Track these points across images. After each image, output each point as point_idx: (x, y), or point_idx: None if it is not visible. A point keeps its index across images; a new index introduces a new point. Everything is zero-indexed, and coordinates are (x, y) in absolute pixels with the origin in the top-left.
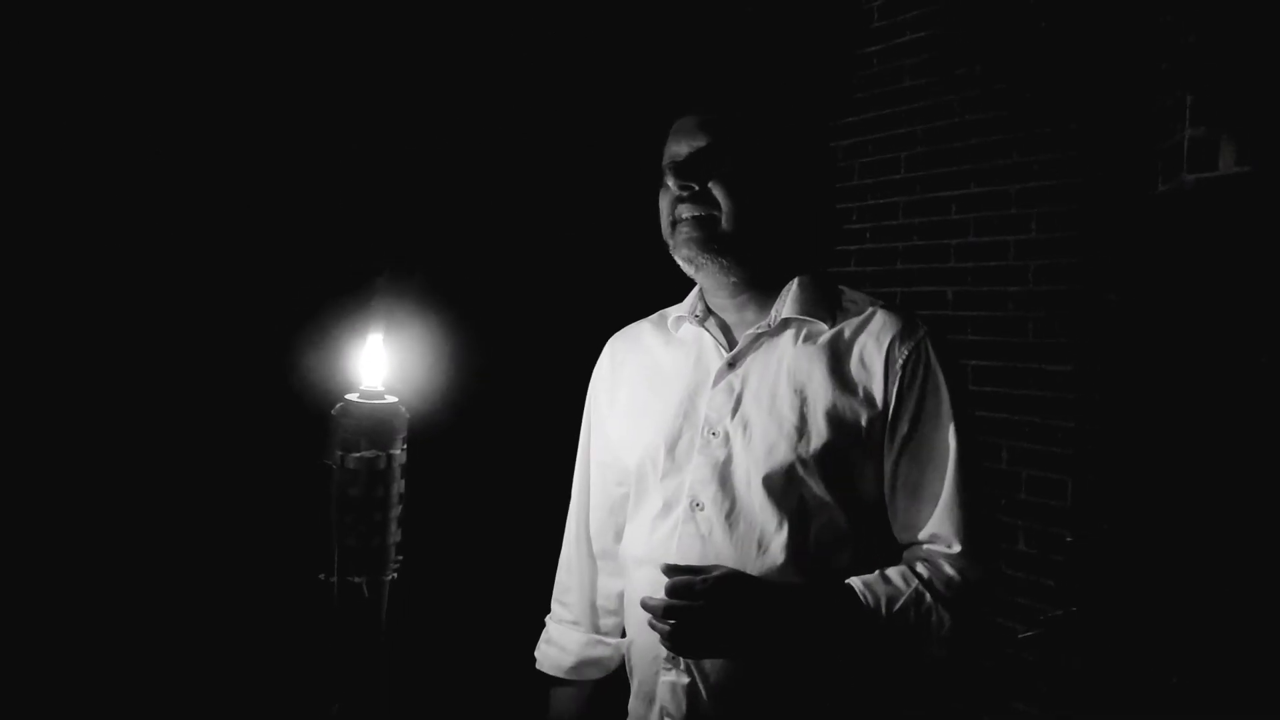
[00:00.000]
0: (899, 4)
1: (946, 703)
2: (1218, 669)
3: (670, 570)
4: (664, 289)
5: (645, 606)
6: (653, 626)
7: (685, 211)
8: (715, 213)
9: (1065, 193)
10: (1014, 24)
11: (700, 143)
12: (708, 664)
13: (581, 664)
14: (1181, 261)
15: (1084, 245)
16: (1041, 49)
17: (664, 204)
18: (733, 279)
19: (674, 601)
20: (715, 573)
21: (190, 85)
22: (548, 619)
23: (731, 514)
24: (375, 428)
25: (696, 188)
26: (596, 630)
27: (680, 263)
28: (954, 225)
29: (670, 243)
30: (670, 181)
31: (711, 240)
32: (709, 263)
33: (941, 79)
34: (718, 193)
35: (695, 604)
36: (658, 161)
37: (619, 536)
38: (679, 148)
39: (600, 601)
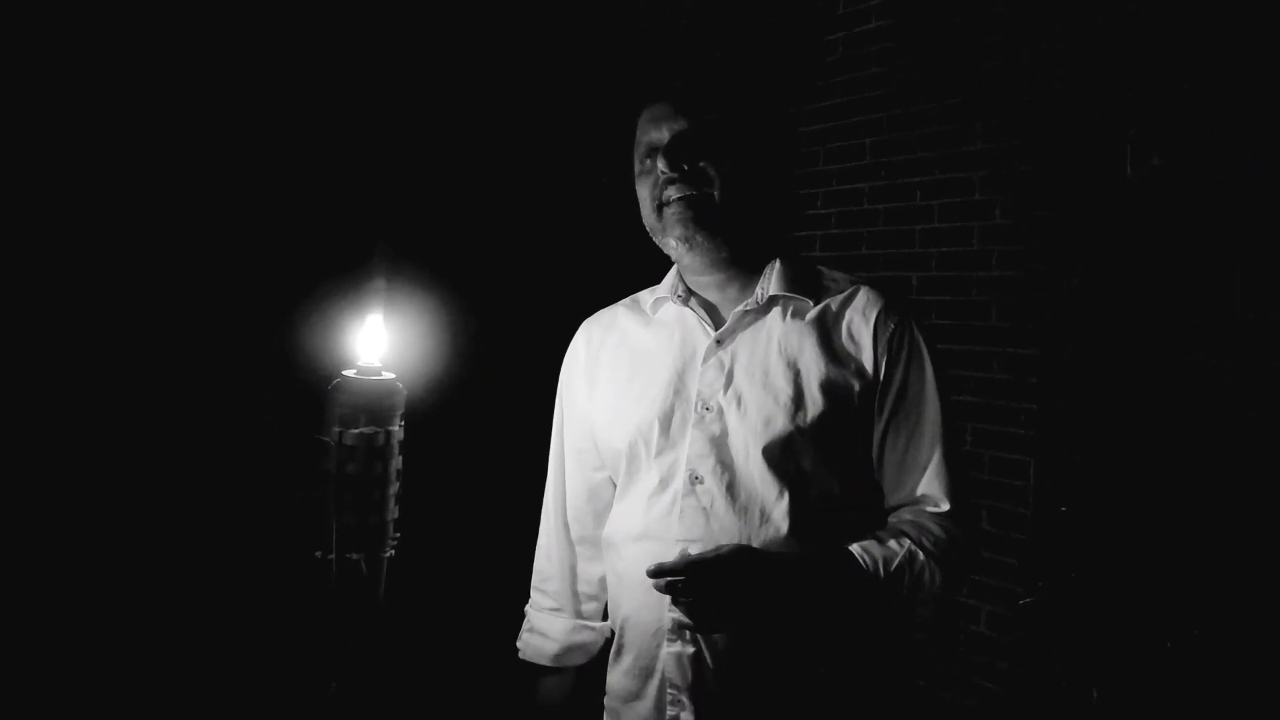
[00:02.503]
0: None
1: (910, 680)
2: (1180, 643)
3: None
4: (638, 273)
5: (662, 589)
6: (675, 604)
7: (676, 192)
8: (707, 189)
9: (1029, 179)
10: (978, 9)
11: (680, 125)
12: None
13: (567, 650)
14: (1145, 246)
15: (1047, 231)
16: (1005, 34)
17: (646, 190)
18: (723, 255)
19: (693, 579)
20: (725, 548)
21: (193, 75)
22: (528, 608)
23: (732, 485)
24: (373, 404)
25: (686, 167)
26: (579, 615)
27: (672, 242)
28: (919, 211)
29: (657, 227)
30: (661, 165)
31: (705, 216)
32: (704, 240)
33: (906, 65)
34: (709, 169)
35: (713, 578)
36: (630, 150)
37: (598, 521)
38: (658, 134)
39: (581, 587)
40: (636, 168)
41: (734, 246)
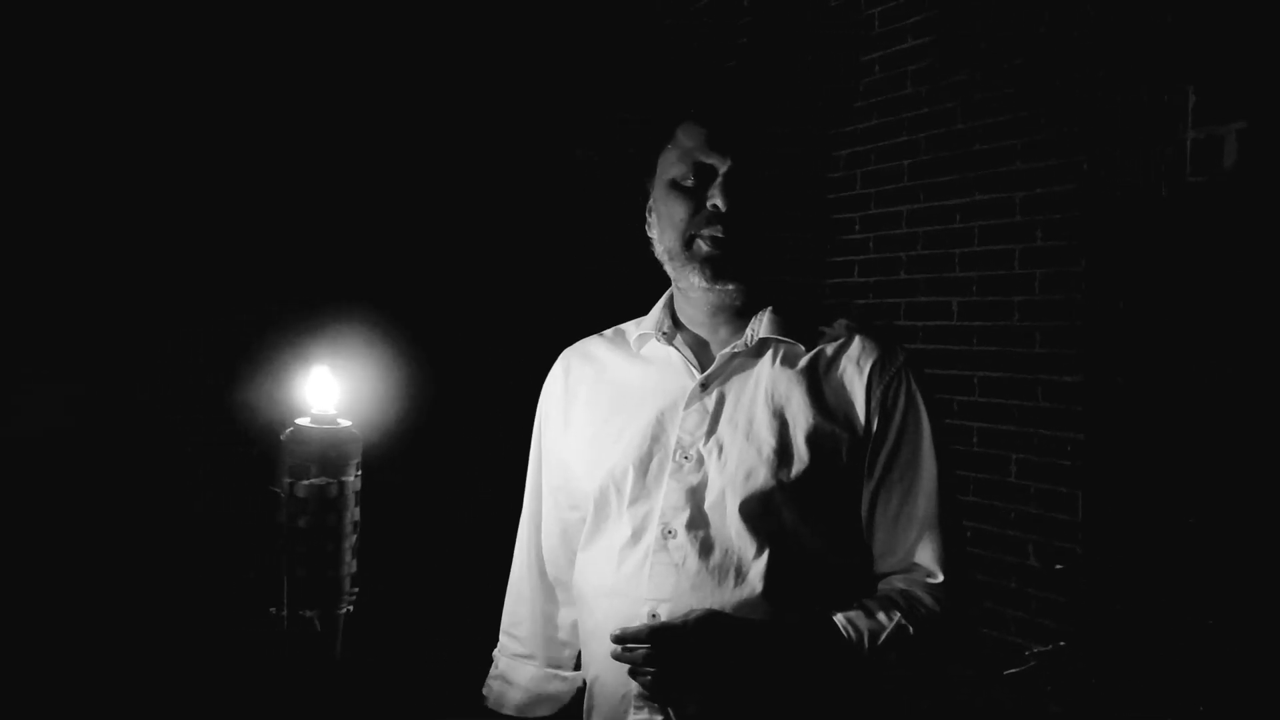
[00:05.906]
0: (900, 10)
1: None
2: (1230, 689)
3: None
4: (616, 303)
5: (622, 658)
6: (633, 675)
7: (720, 233)
8: (747, 238)
9: (1071, 199)
10: (1015, 28)
11: (739, 160)
12: None
13: (534, 700)
14: (1188, 266)
15: (1091, 253)
16: (1044, 52)
17: (680, 210)
18: (737, 302)
19: (655, 650)
20: (694, 615)
21: (141, 109)
22: (496, 653)
23: (706, 542)
24: (326, 453)
25: (738, 209)
26: (550, 663)
27: (695, 279)
28: (958, 234)
29: (679, 254)
30: (718, 198)
31: (736, 266)
32: (733, 288)
33: (944, 85)
34: (753, 216)
35: (677, 649)
36: (612, 184)
37: (574, 563)
38: (716, 158)
39: (554, 633)
40: (674, 172)
41: (748, 294)
